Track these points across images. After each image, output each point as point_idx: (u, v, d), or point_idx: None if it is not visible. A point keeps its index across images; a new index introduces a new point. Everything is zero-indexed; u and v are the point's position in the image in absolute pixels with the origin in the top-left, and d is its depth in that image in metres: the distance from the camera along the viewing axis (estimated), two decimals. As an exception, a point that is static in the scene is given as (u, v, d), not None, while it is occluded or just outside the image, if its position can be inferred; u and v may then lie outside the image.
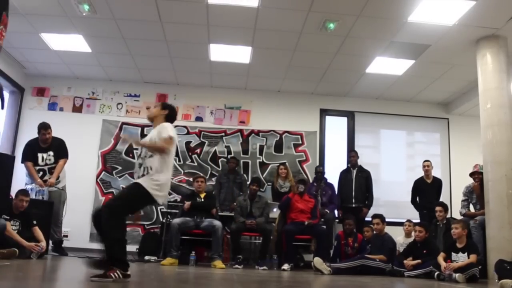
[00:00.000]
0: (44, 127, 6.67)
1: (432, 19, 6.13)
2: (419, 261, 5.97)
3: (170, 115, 4.00)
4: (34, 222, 5.93)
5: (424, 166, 7.47)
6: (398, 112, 9.23)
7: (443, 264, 5.49)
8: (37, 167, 6.58)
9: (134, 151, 8.60)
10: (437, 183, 7.52)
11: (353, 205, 7.65)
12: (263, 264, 6.43)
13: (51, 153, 6.68)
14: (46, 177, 6.59)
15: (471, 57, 6.75)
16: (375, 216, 6.84)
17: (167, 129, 3.74)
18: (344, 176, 7.95)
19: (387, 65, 7.65)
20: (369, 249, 6.74)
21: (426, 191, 7.36)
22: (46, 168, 6.66)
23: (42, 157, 6.63)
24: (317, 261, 5.92)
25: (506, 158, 6.00)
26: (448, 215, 6.89)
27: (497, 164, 6.04)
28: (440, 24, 6.23)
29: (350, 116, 9.26)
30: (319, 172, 7.88)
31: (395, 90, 8.72)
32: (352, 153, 8.12)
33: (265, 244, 6.77)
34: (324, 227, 7.12)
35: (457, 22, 6.12)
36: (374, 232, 6.75)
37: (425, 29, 6.35)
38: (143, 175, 3.65)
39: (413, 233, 6.49)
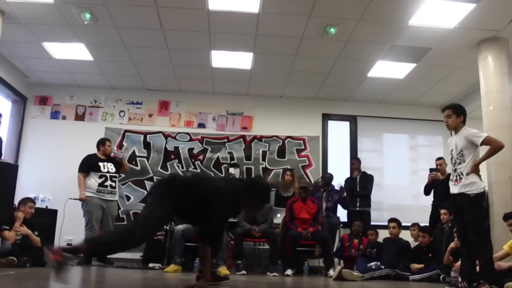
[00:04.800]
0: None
1: (433, 22, 6.13)
2: (422, 265, 5.98)
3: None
4: (36, 233, 5.92)
5: (437, 165, 7.26)
6: (401, 115, 9.21)
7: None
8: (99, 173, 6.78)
9: (137, 158, 8.61)
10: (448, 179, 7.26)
11: (357, 209, 7.73)
12: (274, 270, 6.40)
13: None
14: (107, 183, 6.77)
15: (473, 60, 6.75)
16: (392, 219, 6.87)
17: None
18: (348, 181, 8.05)
19: (388, 69, 7.65)
20: (374, 254, 6.74)
21: (437, 189, 7.14)
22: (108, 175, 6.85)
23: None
24: (346, 273, 5.71)
25: (509, 160, 5.98)
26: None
27: (500, 166, 6.02)
28: (441, 27, 6.24)
29: (353, 120, 9.24)
30: (324, 178, 7.92)
31: (397, 94, 8.71)
32: (352, 161, 8.21)
33: (274, 249, 6.72)
34: (326, 232, 7.03)
35: (458, 24, 6.12)
36: (390, 235, 6.78)
37: (426, 32, 6.36)
38: None
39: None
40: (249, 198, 3.65)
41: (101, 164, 6.79)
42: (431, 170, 7.19)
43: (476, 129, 4.69)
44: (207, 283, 3.57)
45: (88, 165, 6.76)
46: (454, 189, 4.61)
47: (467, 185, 4.43)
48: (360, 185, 7.90)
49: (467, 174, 4.44)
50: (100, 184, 6.69)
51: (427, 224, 6.94)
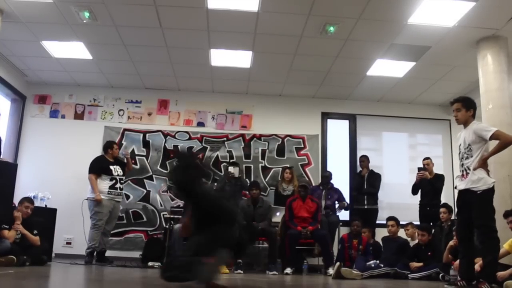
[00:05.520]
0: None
1: (432, 21, 6.13)
2: (421, 264, 5.99)
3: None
4: (35, 232, 5.94)
5: (424, 165, 7.31)
6: (400, 114, 9.21)
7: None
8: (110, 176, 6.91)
9: (136, 157, 8.60)
10: (436, 179, 7.27)
11: (365, 207, 7.74)
12: (273, 269, 6.40)
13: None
14: (117, 185, 6.92)
15: (472, 58, 6.75)
16: (390, 218, 6.87)
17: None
18: (357, 179, 8.08)
19: (388, 68, 7.65)
20: (372, 251, 6.77)
21: (424, 188, 7.22)
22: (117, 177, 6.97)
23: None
24: (345, 271, 5.75)
25: (508, 158, 5.97)
26: (453, 217, 6.87)
27: (500, 165, 6.02)
28: (440, 26, 6.24)
29: (352, 119, 9.24)
30: (326, 176, 7.93)
31: (396, 92, 8.71)
32: (362, 158, 8.17)
33: (273, 248, 6.73)
34: (325, 230, 7.04)
35: (457, 23, 6.12)
36: (388, 234, 6.80)
37: (425, 31, 6.36)
38: None
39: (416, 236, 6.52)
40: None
41: (112, 167, 6.91)
42: (420, 169, 7.23)
43: (485, 123, 4.58)
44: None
45: (100, 167, 6.88)
46: (460, 185, 4.48)
47: (474, 181, 4.30)
48: (368, 182, 7.91)
49: (474, 169, 4.31)
50: (111, 187, 6.82)
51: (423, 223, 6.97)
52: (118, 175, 6.93)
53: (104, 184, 6.79)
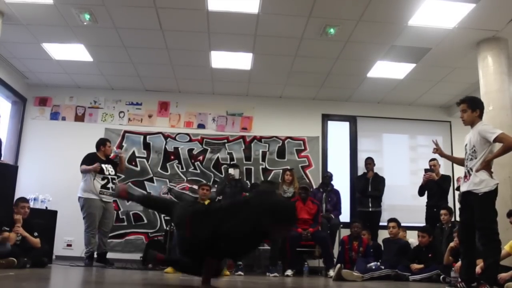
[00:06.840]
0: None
1: (432, 23, 6.14)
2: (422, 266, 5.98)
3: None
4: (36, 234, 5.92)
5: (430, 166, 7.29)
6: (400, 116, 9.22)
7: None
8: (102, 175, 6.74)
9: (137, 159, 8.61)
10: (443, 180, 7.27)
11: (370, 209, 7.73)
12: (274, 271, 6.38)
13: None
14: (109, 185, 6.75)
15: (472, 60, 6.76)
16: (391, 219, 6.86)
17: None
18: (362, 181, 8.02)
19: (388, 69, 7.66)
20: (372, 253, 6.76)
21: (431, 190, 7.21)
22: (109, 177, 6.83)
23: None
24: (346, 273, 5.72)
25: (509, 160, 5.94)
26: (453, 219, 6.87)
27: (500, 166, 5.99)
28: (440, 27, 6.24)
29: (352, 120, 9.25)
30: (326, 177, 7.93)
31: (397, 94, 8.72)
32: (368, 161, 8.14)
33: (274, 249, 6.72)
34: (325, 232, 7.04)
35: (457, 25, 6.12)
36: (389, 236, 6.80)
37: (426, 32, 6.36)
38: None
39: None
40: (274, 223, 3.36)
41: (103, 166, 6.76)
42: (426, 170, 7.21)
43: (491, 125, 4.50)
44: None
45: (92, 163, 6.70)
46: (463, 186, 4.46)
47: (476, 183, 4.27)
48: (372, 185, 7.90)
49: (477, 171, 4.27)
50: (103, 186, 6.68)
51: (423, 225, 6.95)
52: (109, 174, 6.78)
53: (95, 183, 6.62)
